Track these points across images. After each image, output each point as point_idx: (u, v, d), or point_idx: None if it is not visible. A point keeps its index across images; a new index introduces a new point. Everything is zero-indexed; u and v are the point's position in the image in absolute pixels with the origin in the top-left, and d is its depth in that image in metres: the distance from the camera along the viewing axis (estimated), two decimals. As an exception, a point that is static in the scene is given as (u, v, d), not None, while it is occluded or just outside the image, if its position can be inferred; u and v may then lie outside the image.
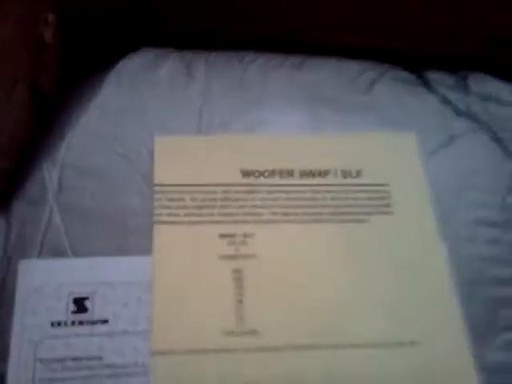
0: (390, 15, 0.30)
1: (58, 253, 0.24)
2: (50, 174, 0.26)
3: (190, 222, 0.25)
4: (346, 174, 0.27)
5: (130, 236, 0.24)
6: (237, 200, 0.25)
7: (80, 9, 0.30)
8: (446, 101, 0.30)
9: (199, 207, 0.25)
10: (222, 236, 0.24)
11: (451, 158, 0.28)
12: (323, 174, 0.26)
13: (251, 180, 0.26)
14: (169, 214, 0.25)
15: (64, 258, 0.24)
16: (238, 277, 0.24)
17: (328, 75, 0.31)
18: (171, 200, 0.25)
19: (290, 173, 0.26)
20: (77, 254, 0.24)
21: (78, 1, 0.30)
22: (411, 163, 0.27)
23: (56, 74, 0.30)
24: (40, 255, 0.24)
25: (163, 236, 0.24)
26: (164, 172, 0.26)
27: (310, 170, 0.27)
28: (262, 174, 0.26)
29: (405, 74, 0.31)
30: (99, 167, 0.26)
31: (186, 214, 0.25)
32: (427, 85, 0.31)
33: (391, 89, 0.30)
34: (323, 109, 0.30)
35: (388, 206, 0.26)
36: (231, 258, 0.24)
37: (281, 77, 0.31)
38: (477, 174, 0.27)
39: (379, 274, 0.24)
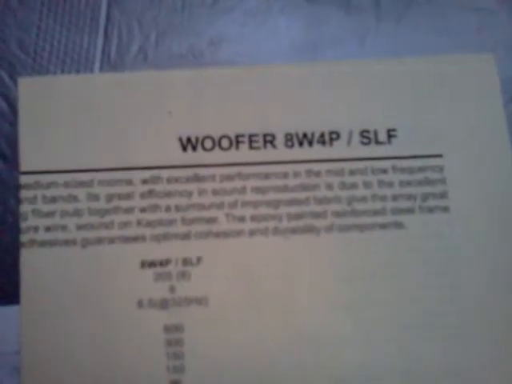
0: None
1: None
2: None
3: (86, 242, 0.14)
4: (368, 137, 0.15)
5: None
6: (171, 196, 0.15)
7: None
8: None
9: (103, 212, 0.15)
10: (146, 265, 0.14)
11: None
12: (327, 139, 0.15)
13: (198, 156, 0.15)
14: (48, 228, 0.14)
15: None
16: (175, 342, 0.14)
17: None
18: (52, 201, 0.14)
19: (269, 139, 0.15)
20: None
21: None
22: (487, 109, 0.16)
23: None
24: None
25: (38, 269, 0.14)
26: (37, 148, 0.15)
27: (304, 134, 0.15)
28: (217, 143, 0.15)
29: None
30: None
31: (80, 227, 0.14)
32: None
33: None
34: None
35: (442, 196, 0.15)
36: (162, 305, 0.14)
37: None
38: None
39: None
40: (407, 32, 0.17)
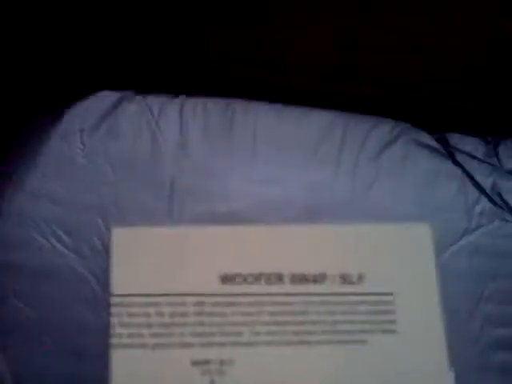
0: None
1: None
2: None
3: (155, 345, 0.20)
4: (345, 279, 0.22)
5: (83, 360, 0.20)
6: (213, 315, 0.21)
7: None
8: (469, 176, 0.25)
9: (167, 325, 0.21)
10: (195, 363, 0.21)
11: (469, 256, 0.23)
12: (319, 279, 0.22)
13: (231, 288, 0.21)
14: (130, 335, 0.20)
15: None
16: None
17: (332, 132, 0.26)
18: (133, 315, 0.21)
19: (280, 277, 0.22)
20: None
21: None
22: (423, 264, 0.23)
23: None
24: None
25: (122, 363, 0.20)
26: (124, 277, 0.21)
27: (303, 275, 0.22)
28: (245, 279, 0.22)
29: (423, 136, 0.26)
30: (44, 267, 0.21)
31: (152, 335, 0.20)
32: (449, 152, 0.26)
33: (405, 157, 0.25)
34: (323, 177, 0.25)
35: (392, 322, 0.22)
36: None
37: (275, 132, 0.25)
38: (496, 279, 0.23)
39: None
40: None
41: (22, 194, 0.23)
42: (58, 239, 0.22)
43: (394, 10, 0.23)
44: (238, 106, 0.25)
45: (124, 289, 0.21)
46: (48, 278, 0.21)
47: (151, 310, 0.21)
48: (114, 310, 0.21)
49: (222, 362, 0.20)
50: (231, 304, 0.21)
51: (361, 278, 0.22)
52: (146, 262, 0.21)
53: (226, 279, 0.22)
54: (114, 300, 0.21)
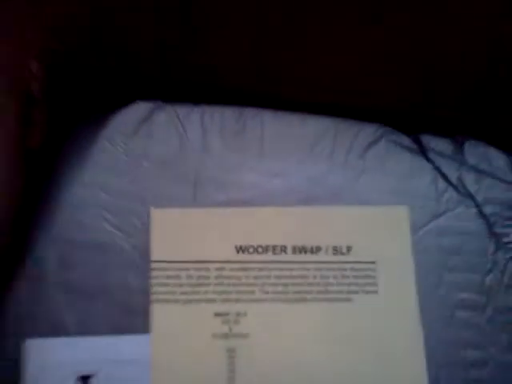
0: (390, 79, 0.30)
1: (59, 330, 0.25)
2: (47, 250, 0.26)
3: (185, 301, 0.26)
4: (336, 250, 0.28)
5: (129, 314, 0.26)
6: (230, 278, 0.26)
7: (67, 57, 0.29)
8: (439, 170, 0.30)
9: (194, 285, 0.26)
10: (217, 315, 0.26)
11: (438, 235, 0.29)
12: (315, 250, 0.27)
13: (245, 256, 0.27)
14: (165, 293, 0.26)
15: (68, 336, 0.25)
16: (231, 356, 0.25)
17: (325, 134, 0.31)
18: (168, 277, 0.26)
19: (283, 249, 0.27)
20: (79, 331, 0.25)
21: (63, 49, 0.29)
22: (400, 239, 0.28)
23: (43, 127, 0.30)
24: (42, 333, 0.25)
25: (160, 315, 0.25)
26: (161, 247, 0.27)
27: (303, 246, 0.28)
28: (255, 249, 0.27)
29: (401, 137, 0.31)
30: (96, 242, 0.27)
31: (182, 293, 0.26)
32: (423, 151, 0.31)
33: (386, 154, 0.31)
34: (318, 170, 0.30)
35: (373, 284, 0.27)
36: (225, 337, 0.26)
37: (279, 134, 0.31)
38: (459, 253, 0.28)
39: (360, 352, 0.26)
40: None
41: (76, 185, 0.28)
42: (106, 220, 0.28)
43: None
44: (249, 113, 0.31)
45: (161, 256, 0.26)
46: (99, 250, 0.27)
47: (182, 273, 0.26)
48: (152, 273, 0.26)
49: (237, 314, 0.26)
50: (245, 269, 0.27)
51: (349, 249, 0.28)
52: (178, 235, 0.27)
53: (241, 249, 0.27)
54: (153, 265, 0.26)
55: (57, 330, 0.25)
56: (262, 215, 0.28)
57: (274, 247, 0.27)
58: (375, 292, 0.27)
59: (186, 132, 0.30)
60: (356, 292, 0.27)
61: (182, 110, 0.31)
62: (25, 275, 0.26)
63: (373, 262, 0.28)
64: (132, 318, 0.26)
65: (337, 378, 0.26)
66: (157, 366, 0.25)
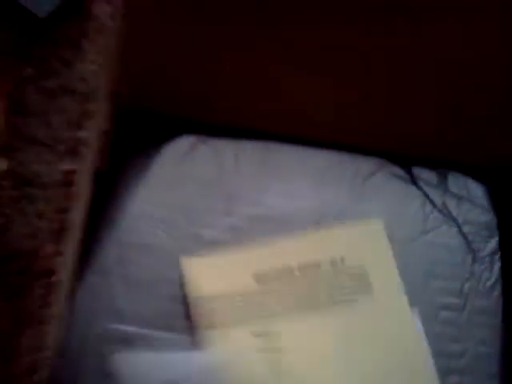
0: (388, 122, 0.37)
1: (119, 318, 0.32)
2: (110, 250, 0.33)
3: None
4: (332, 262, 0.34)
5: (173, 302, 0.32)
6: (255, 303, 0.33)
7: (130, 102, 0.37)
8: (427, 196, 0.37)
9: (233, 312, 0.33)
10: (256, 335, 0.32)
11: (425, 248, 0.35)
12: (317, 265, 0.34)
13: (264, 283, 0.33)
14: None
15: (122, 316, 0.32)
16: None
17: (333, 165, 0.38)
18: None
19: (292, 269, 0.34)
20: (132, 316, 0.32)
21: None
22: (381, 247, 0.35)
23: (108, 153, 0.37)
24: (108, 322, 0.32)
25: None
26: (196, 286, 0.33)
27: (307, 263, 0.34)
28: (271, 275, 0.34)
29: (396, 169, 0.38)
30: (148, 244, 0.34)
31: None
32: (414, 180, 0.38)
33: (384, 182, 0.37)
34: (328, 194, 0.37)
35: (369, 285, 0.33)
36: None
37: (296, 164, 0.38)
38: (443, 264, 0.35)
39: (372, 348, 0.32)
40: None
41: (135, 200, 0.36)
42: (158, 227, 0.34)
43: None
44: (273, 147, 0.38)
45: (198, 292, 0.33)
46: (150, 250, 0.34)
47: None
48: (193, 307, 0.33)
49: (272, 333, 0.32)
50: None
51: (343, 259, 0.34)
52: (210, 276, 0.33)
53: (260, 278, 0.33)
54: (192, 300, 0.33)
55: (115, 314, 0.32)
56: (276, 244, 0.34)
57: (285, 269, 0.34)
58: (371, 291, 0.33)
59: (223, 161, 0.37)
60: (357, 292, 0.33)
61: (220, 144, 0.38)
62: (92, 269, 0.33)
63: (364, 267, 0.34)
64: (176, 306, 0.32)
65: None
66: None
